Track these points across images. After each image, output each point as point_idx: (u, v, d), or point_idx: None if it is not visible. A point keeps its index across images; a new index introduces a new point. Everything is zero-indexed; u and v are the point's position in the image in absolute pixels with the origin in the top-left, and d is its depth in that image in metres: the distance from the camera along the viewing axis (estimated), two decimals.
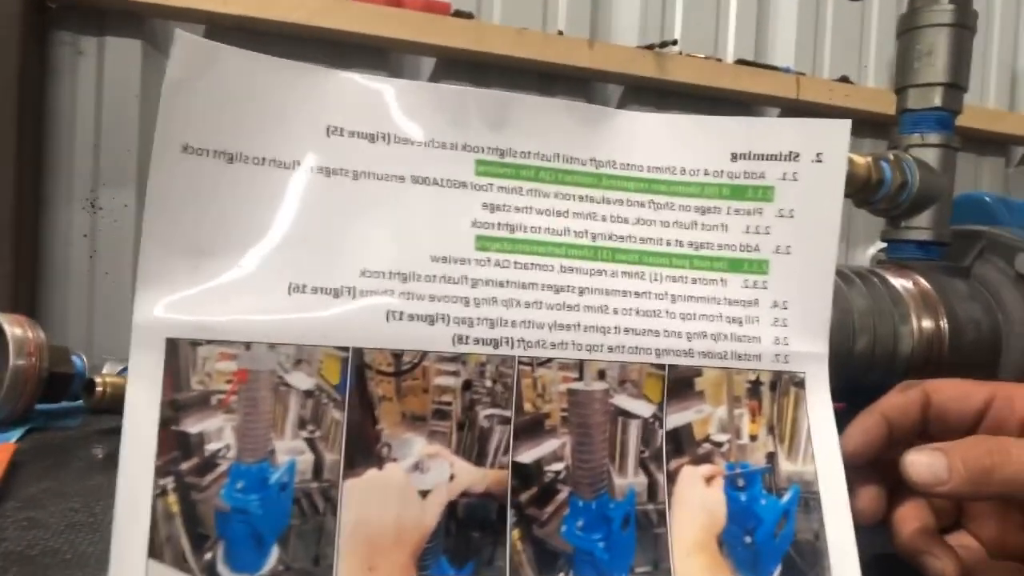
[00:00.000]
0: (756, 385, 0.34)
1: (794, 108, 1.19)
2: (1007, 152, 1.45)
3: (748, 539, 0.32)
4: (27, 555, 0.33)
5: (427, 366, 0.31)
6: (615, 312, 0.33)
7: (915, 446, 0.32)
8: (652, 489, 0.32)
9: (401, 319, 0.31)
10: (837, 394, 0.34)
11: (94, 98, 0.92)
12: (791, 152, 0.35)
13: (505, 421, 0.31)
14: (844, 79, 1.26)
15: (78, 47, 0.92)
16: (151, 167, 0.30)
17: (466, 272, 0.32)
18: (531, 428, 0.32)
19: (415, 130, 0.33)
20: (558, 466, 0.32)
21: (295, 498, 0.29)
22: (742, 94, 1.16)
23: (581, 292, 0.33)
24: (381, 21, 0.96)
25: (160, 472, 0.27)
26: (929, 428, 0.35)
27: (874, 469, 0.34)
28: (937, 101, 0.63)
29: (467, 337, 0.32)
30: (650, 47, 1.10)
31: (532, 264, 0.33)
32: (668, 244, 0.35)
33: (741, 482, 0.33)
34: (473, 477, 0.31)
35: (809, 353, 0.34)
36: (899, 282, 0.58)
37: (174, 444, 0.28)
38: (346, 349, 0.30)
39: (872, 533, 0.33)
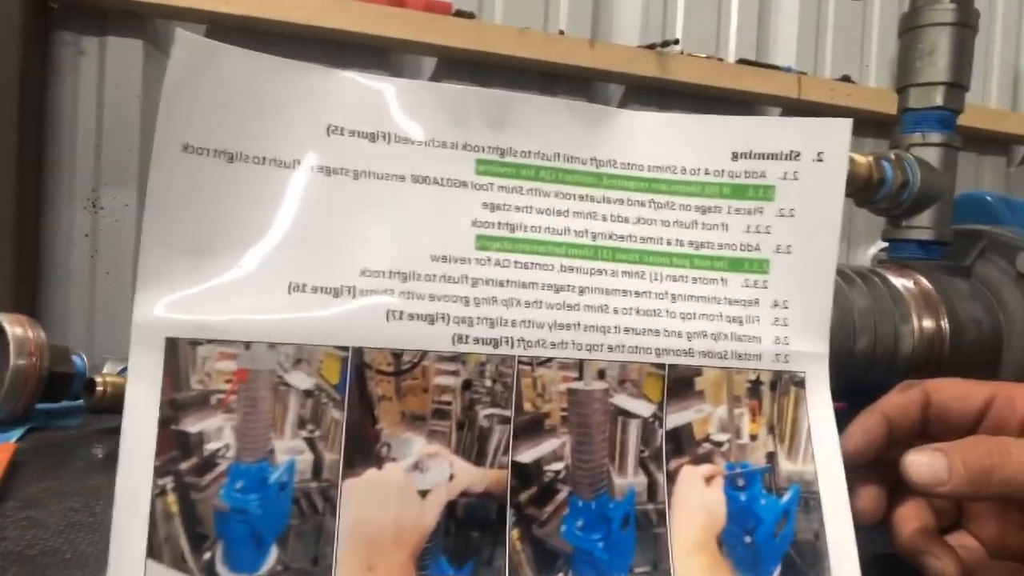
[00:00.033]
0: (756, 385, 0.34)
1: (796, 108, 1.19)
2: (1009, 152, 1.45)
3: (748, 539, 0.32)
4: (27, 555, 0.33)
5: (427, 366, 0.31)
6: (615, 312, 0.33)
7: (915, 446, 0.31)
8: (652, 489, 0.32)
9: (401, 318, 0.31)
10: (837, 394, 0.34)
11: (95, 98, 0.92)
12: (792, 151, 0.35)
13: (505, 421, 0.31)
14: (846, 78, 1.26)
15: (80, 47, 0.92)
16: (151, 166, 0.30)
17: (466, 271, 0.32)
18: (531, 428, 0.32)
19: (415, 129, 0.33)
20: (558, 466, 0.32)
21: (294, 498, 0.29)
22: (744, 94, 1.16)
23: (581, 292, 0.33)
24: (382, 21, 0.96)
25: (159, 472, 0.27)
26: (930, 428, 0.35)
27: (874, 469, 0.34)
28: (939, 100, 0.63)
29: (467, 336, 0.32)
30: (651, 47, 1.10)
31: (532, 263, 0.33)
32: (668, 243, 0.35)
33: (741, 482, 0.33)
34: (473, 477, 0.31)
35: (809, 353, 0.34)
36: (900, 281, 0.58)
37: (173, 444, 0.28)
38: (346, 349, 0.30)
39: (872, 533, 0.33)
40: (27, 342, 0.53)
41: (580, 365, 0.33)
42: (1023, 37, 1.46)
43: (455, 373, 0.31)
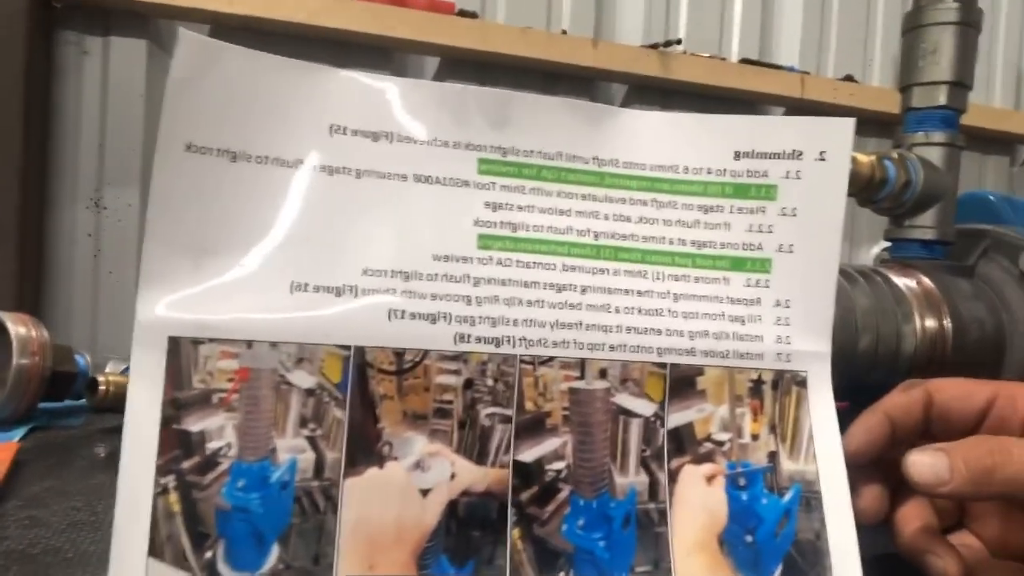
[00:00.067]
0: (758, 384, 0.34)
1: (799, 107, 1.18)
2: (1012, 151, 1.44)
3: (749, 538, 0.32)
4: (29, 554, 0.33)
5: (428, 365, 0.31)
6: (617, 311, 0.33)
7: (917, 446, 0.31)
8: (653, 488, 0.32)
9: (403, 318, 0.31)
10: (839, 393, 0.34)
11: (99, 97, 0.92)
12: (794, 150, 0.35)
13: (506, 420, 0.31)
14: (849, 78, 1.25)
15: (83, 47, 0.92)
16: (155, 166, 0.30)
17: (468, 271, 0.32)
18: (532, 427, 0.32)
19: (418, 129, 0.33)
20: (559, 465, 0.32)
21: (296, 497, 0.29)
22: (747, 93, 1.16)
23: (583, 291, 0.33)
24: (385, 21, 0.96)
25: (161, 471, 0.28)
26: (931, 427, 0.35)
27: (876, 468, 0.34)
28: (942, 99, 0.63)
29: (469, 336, 0.32)
30: (654, 46, 1.10)
31: (534, 263, 0.33)
32: (671, 243, 0.35)
33: (742, 481, 0.33)
34: (474, 476, 0.31)
35: (811, 352, 0.34)
36: (902, 281, 0.57)
37: (175, 443, 0.28)
38: (348, 348, 0.30)
39: (873, 533, 0.33)
40: (30, 341, 0.53)
41: (582, 364, 0.33)
42: None
43: (457, 372, 0.31)
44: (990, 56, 1.42)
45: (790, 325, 0.35)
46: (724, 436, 0.33)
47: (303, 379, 0.30)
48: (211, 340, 0.29)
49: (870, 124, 1.23)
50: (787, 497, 0.33)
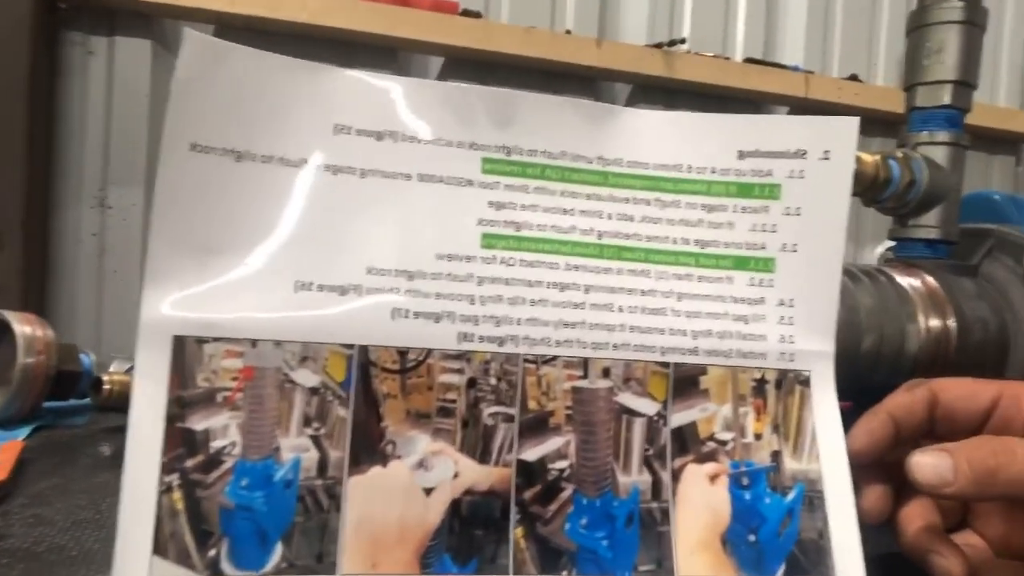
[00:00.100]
0: (761, 383, 0.34)
1: (803, 107, 1.18)
2: (1018, 151, 1.44)
3: (752, 538, 0.32)
4: (33, 552, 0.33)
5: (432, 364, 0.31)
6: (620, 310, 0.33)
7: (921, 446, 0.31)
8: (656, 487, 0.32)
9: (407, 317, 0.31)
10: (843, 393, 0.34)
11: (104, 97, 0.93)
12: (798, 150, 0.35)
13: (509, 419, 0.31)
14: (854, 77, 1.25)
15: (88, 47, 0.92)
16: (159, 165, 0.30)
17: (472, 270, 0.32)
18: (535, 426, 0.32)
19: (422, 128, 0.33)
20: (562, 464, 0.32)
21: (299, 495, 0.29)
22: (751, 93, 1.16)
23: (587, 290, 0.33)
24: (389, 20, 0.97)
25: (165, 469, 0.28)
26: (936, 427, 0.35)
27: (880, 468, 0.34)
28: (946, 99, 0.62)
29: (472, 335, 0.32)
30: (658, 46, 1.10)
31: (538, 262, 0.33)
32: (674, 242, 0.35)
33: (745, 480, 0.33)
34: (477, 475, 0.31)
35: (815, 351, 0.34)
36: (906, 281, 0.57)
37: (179, 441, 0.28)
38: (351, 346, 0.30)
39: (877, 532, 0.33)
40: (35, 340, 0.53)
41: (585, 363, 0.33)
42: None
43: (460, 371, 0.31)
44: (995, 55, 1.41)
45: (794, 324, 0.34)
46: (727, 435, 0.33)
47: (307, 378, 0.30)
48: (215, 339, 0.29)
49: (874, 123, 1.23)
50: (790, 497, 0.33)
